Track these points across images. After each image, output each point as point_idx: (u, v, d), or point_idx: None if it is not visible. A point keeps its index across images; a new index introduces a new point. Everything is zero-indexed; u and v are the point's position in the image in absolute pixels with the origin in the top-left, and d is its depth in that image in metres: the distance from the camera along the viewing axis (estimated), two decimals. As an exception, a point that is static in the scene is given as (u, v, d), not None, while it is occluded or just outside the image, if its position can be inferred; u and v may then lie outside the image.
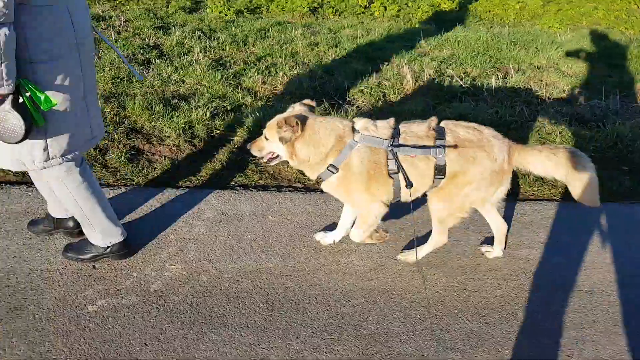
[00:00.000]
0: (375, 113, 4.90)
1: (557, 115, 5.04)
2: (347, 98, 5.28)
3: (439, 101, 5.26)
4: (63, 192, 2.78)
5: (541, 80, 5.95)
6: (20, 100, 2.23)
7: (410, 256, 3.20)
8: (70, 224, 3.13)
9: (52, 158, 2.54)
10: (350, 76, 5.63)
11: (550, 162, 2.82)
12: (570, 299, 2.99)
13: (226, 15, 7.82)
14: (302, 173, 3.64)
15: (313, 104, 3.08)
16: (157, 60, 5.59)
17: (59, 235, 3.19)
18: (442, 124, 2.91)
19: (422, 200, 3.16)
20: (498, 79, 5.76)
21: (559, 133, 4.72)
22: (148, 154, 4.12)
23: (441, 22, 8.58)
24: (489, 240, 3.33)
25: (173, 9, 7.89)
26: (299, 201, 3.71)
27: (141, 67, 5.43)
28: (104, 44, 5.62)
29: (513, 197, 3.94)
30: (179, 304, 2.80)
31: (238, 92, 5.08)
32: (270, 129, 2.90)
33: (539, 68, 6.33)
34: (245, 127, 4.47)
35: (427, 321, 2.80)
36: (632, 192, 4.06)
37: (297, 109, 2.99)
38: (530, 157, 2.86)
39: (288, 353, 2.57)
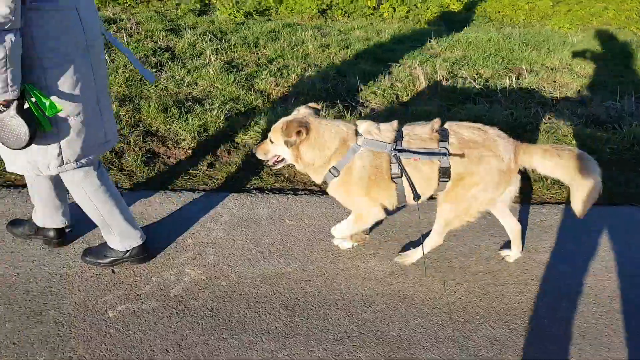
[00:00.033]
0: (389, 115, 4.87)
1: (573, 117, 5.00)
2: (360, 100, 5.25)
3: (452, 103, 5.23)
4: (81, 195, 2.78)
5: (554, 81, 5.91)
6: (26, 105, 2.22)
7: (408, 258, 3.18)
8: (51, 233, 3.08)
9: (66, 163, 2.53)
10: (362, 77, 5.60)
11: (553, 162, 2.78)
12: (591, 305, 2.96)
13: (235, 17, 7.81)
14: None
15: (318, 106, 3.07)
16: (170, 63, 5.58)
17: (77, 239, 3.19)
18: (446, 125, 2.89)
19: (425, 202, 3.12)
20: (511, 80, 5.72)
21: (576, 135, 4.68)
22: (164, 157, 4.10)
23: (450, 22, 8.55)
24: (509, 245, 3.29)
25: (183, 12, 7.88)
26: (316, 204, 3.69)
27: (154, 70, 5.43)
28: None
29: (531, 200, 3.91)
30: (199, 309, 2.78)
31: (251, 94, 5.06)
32: (275, 132, 2.89)
33: (551, 69, 6.30)
34: (259, 129, 4.45)
35: (449, 327, 2.78)
36: (650, 195, 4.02)
37: (302, 111, 2.98)
38: (535, 156, 2.82)
39: (310, 360, 2.55)
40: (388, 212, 3.02)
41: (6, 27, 1.96)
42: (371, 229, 3.40)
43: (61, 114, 2.37)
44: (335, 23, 8.25)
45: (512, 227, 3.21)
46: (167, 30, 6.66)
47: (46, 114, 2.23)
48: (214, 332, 2.65)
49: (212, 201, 3.64)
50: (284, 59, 6.03)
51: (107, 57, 5.35)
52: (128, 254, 2.98)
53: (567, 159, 2.75)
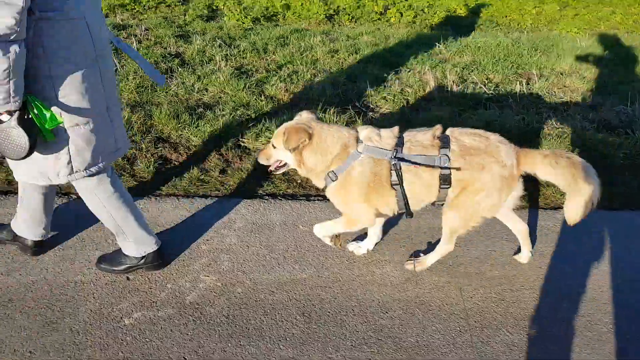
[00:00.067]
0: (400, 120, 4.85)
1: (585, 122, 4.97)
2: (371, 105, 5.24)
3: (463, 108, 5.21)
4: (94, 202, 2.78)
5: (565, 86, 5.89)
6: (27, 116, 2.21)
7: (418, 265, 3.16)
8: (29, 243, 3.03)
9: (77, 171, 2.53)
10: (372, 83, 5.59)
11: (551, 169, 2.77)
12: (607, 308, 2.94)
13: (243, 23, 7.82)
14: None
15: (314, 113, 3.07)
16: (180, 69, 5.58)
17: (91, 246, 3.18)
18: (448, 131, 2.87)
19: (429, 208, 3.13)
20: (522, 85, 5.70)
21: (588, 140, 4.65)
22: (176, 163, 4.10)
23: (457, 27, 8.53)
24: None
25: (191, 17, 7.90)
26: (329, 210, 3.66)
27: (165, 76, 5.43)
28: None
29: (544, 205, 3.89)
30: (215, 316, 2.77)
31: (262, 100, 5.06)
32: (278, 137, 2.89)
33: (561, 73, 6.27)
34: (270, 135, 4.44)
35: (467, 333, 2.75)
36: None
37: (304, 116, 2.98)
38: (534, 161, 2.81)
39: (329, 367, 2.53)
40: (380, 217, 3.03)
41: (11, 38, 1.96)
42: (384, 234, 3.39)
43: (71, 123, 2.38)
44: (343, 28, 8.25)
45: (518, 228, 3.20)
46: (177, 36, 6.67)
47: (46, 126, 2.23)
48: (231, 339, 2.64)
49: (225, 207, 3.63)
50: (293, 65, 6.03)
51: (117, 64, 5.36)
52: (143, 260, 2.97)
53: (563, 166, 2.74)
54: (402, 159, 2.76)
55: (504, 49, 6.97)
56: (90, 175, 2.61)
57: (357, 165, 2.82)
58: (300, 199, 3.79)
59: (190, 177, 3.93)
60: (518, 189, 2.91)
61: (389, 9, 9.03)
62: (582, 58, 6.85)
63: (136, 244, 2.92)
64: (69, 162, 2.47)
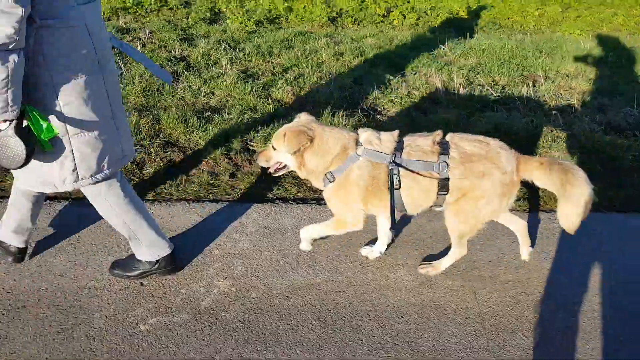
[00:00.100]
0: (408, 123, 4.85)
1: (592, 124, 4.97)
2: (378, 108, 5.24)
3: (470, 111, 5.21)
4: (105, 207, 2.76)
5: (571, 88, 5.89)
6: (24, 124, 2.20)
7: (431, 269, 3.15)
8: (12, 249, 2.99)
9: (82, 179, 2.52)
10: (378, 86, 5.59)
11: (544, 176, 2.78)
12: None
13: (246, 26, 7.81)
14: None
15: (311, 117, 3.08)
16: (186, 73, 5.57)
17: (103, 251, 3.17)
18: (448, 137, 2.86)
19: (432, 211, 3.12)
20: (529, 87, 5.70)
21: (596, 142, 4.65)
22: (185, 167, 4.08)
23: (460, 29, 8.52)
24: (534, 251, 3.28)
25: (193, 20, 7.88)
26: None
27: (171, 74, 5.41)
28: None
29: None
30: (231, 321, 2.76)
31: (269, 104, 5.05)
32: (278, 139, 2.89)
33: (567, 75, 6.27)
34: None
35: (483, 337, 2.75)
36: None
37: (303, 118, 2.99)
38: (531, 168, 2.81)
39: (347, 372, 2.52)
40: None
41: (10, 47, 1.95)
42: (395, 237, 3.38)
43: (74, 130, 2.37)
44: (346, 31, 8.24)
45: (516, 226, 3.22)
46: (181, 39, 6.66)
47: (42, 136, 2.22)
48: (248, 344, 2.62)
49: (236, 212, 3.62)
50: (298, 68, 6.02)
51: (122, 68, 5.35)
52: (157, 265, 2.96)
53: (555, 173, 2.74)
54: (399, 165, 2.76)
55: (509, 51, 6.97)
56: (96, 182, 2.60)
57: (356, 168, 2.82)
58: (312, 203, 3.78)
59: (200, 181, 3.92)
60: (514, 195, 2.91)
61: (392, 12, 9.03)
62: (587, 60, 6.85)
63: (149, 248, 2.91)
64: (74, 169, 2.47)
